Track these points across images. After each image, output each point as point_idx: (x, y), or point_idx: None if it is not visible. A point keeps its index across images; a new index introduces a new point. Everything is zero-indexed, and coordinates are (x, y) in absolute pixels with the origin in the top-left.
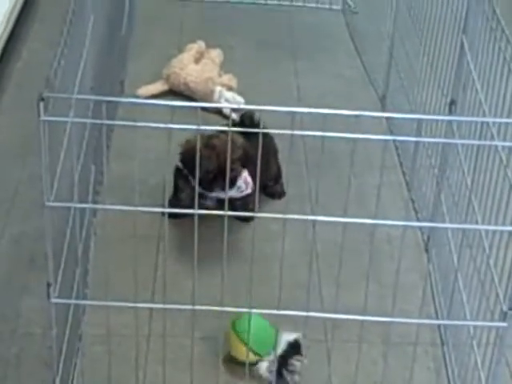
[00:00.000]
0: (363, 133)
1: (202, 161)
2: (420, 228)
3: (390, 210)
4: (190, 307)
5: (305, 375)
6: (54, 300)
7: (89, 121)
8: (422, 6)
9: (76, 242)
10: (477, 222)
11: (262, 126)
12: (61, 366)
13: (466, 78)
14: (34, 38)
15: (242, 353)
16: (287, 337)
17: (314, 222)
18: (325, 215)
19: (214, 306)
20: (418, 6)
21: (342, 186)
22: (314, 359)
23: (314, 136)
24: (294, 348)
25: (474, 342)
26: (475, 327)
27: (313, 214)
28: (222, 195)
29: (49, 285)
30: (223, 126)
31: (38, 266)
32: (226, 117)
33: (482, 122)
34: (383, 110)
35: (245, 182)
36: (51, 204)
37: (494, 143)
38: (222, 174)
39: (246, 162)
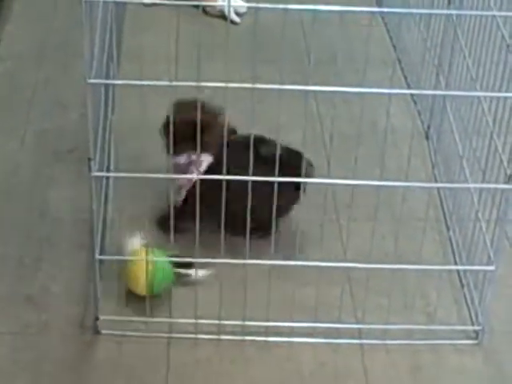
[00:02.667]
0: (361, 36)
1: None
2: (420, 118)
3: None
4: None
5: (322, 248)
6: (94, 173)
7: (128, 1)
8: None
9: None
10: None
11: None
12: (99, 240)
13: None
14: None
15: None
16: None
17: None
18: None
19: None
20: None
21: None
22: (327, 237)
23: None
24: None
25: (480, 215)
26: (479, 200)
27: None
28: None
29: (89, 159)
30: None
31: (61, 159)
32: (231, 21)
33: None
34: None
35: (195, 163)
36: (92, 81)
37: (492, 13)
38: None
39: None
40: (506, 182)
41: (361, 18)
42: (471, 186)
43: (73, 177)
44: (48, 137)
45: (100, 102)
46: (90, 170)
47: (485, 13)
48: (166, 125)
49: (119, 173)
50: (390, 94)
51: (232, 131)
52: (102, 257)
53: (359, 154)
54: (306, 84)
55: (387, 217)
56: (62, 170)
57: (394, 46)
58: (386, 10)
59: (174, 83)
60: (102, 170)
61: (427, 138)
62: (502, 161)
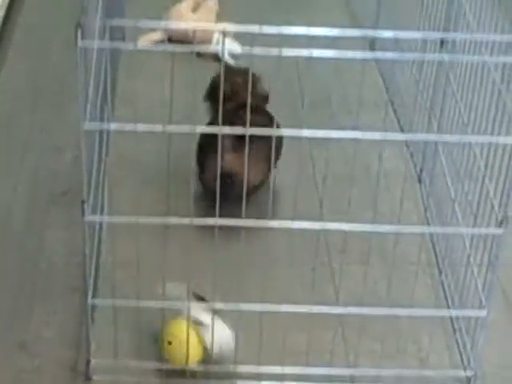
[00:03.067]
0: (355, 78)
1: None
2: (413, 160)
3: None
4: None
5: (314, 291)
6: (87, 218)
7: (123, 45)
8: None
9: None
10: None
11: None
12: (91, 284)
13: (457, 15)
14: None
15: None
16: None
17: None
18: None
19: None
20: None
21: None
22: (320, 280)
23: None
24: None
25: (471, 259)
26: (471, 244)
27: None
28: None
29: (83, 202)
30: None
31: (55, 201)
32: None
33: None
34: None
35: None
36: (87, 127)
37: (483, 58)
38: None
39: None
40: (497, 227)
41: (354, 60)
42: (463, 230)
43: (66, 219)
44: (42, 178)
45: (94, 145)
46: (83, 213)
47: (476, 58)
48: (210, 91)
49: (113, 216)
50: (383, 139)
51: (265, 98)
52: (94, 301)
53: (352, 196)
54: (300, 127)
55: (379, 260)
56: (55, 212)
57: (387, 88)
58: (379, 54)
59: (168, 128)
60: (95, 213)
61: (420, 181)
62: (493, 206)
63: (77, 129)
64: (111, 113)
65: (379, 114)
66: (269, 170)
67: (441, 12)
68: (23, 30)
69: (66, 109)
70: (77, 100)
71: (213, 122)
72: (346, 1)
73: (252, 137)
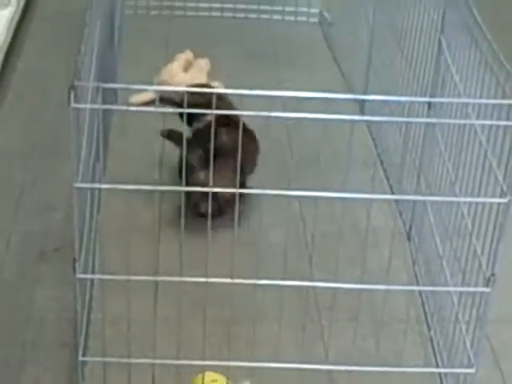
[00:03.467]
0: (344, 137)
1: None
2: (402, 218)
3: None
4: None
5: (304, 349)
6: (79, 275)
7: (116, 107)
8: (398, 12)
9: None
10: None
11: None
12: (82, 341)
13: (445, 76)
14: (27, 52)
15: None
16: None
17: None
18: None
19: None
20: (395, 13)
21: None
22: (309, 337)
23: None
24: None
25: (460, 316)
26: (459, 302)
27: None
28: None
29: (75, 260)
30: None
31: (47, 259)
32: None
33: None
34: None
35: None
36: (78, 185)
37: (470, 121)
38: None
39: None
40: (484, 286)
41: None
42: (451, 289)
43: (58, 275)
44: (34, 234)
45: (86, 202)
46: (74, 271)
47: (463, 121)
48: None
49: (104, 275)
50: (372, 199)
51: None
52: (85, 358)
53: (341, 254)
54: (289, 185)
55: (368, 317)
56: (47, 269)
57: (376, 147)
58: (368, 117)
59: (159, 188)
60: (86, 271)
61: (409, 238)
62: (480, 264)
63: (69, 186)
64: (103, 171)
65: (368, 172)
66: (242, 181)
67: (428, 73)
68: (22, 75)
69: (60, 164)
70: (70, 157)
71: (190, 140)
72: (335, 59)
73: (221, 151)
